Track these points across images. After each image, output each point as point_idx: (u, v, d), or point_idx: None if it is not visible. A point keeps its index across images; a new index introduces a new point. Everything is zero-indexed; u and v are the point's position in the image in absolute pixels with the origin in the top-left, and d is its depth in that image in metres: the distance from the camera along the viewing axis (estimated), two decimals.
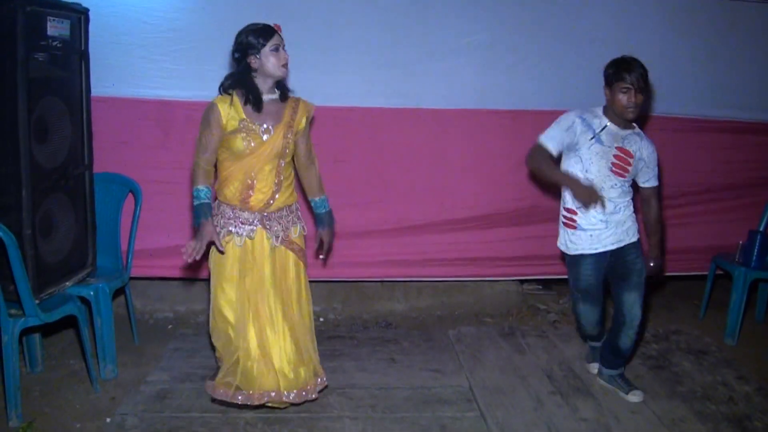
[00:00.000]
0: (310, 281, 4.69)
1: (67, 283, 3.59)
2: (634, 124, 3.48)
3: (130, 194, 4.02)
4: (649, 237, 3.62)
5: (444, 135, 4.50)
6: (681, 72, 4.53)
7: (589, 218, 3.46)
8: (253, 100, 3.12)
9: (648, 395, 3.70)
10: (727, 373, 4.01)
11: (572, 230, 3.54)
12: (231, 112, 3.11)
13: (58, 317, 3.43)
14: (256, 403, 3.23)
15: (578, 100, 3.73)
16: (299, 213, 3.39)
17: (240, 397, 3.23)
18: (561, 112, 3.98)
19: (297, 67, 4.14)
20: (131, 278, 4.09)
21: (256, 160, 3.14)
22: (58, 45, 3.43)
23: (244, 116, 3.12)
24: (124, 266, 4.00)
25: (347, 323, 4.74)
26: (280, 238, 3.25)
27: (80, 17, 3.59)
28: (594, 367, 3.89)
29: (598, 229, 3.47)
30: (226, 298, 3.24)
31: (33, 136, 3.24)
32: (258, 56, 3.07)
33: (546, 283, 5.23)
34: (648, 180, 3.54)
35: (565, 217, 3.57)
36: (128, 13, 4.00)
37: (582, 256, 3.54)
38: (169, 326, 4.55)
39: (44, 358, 3.90)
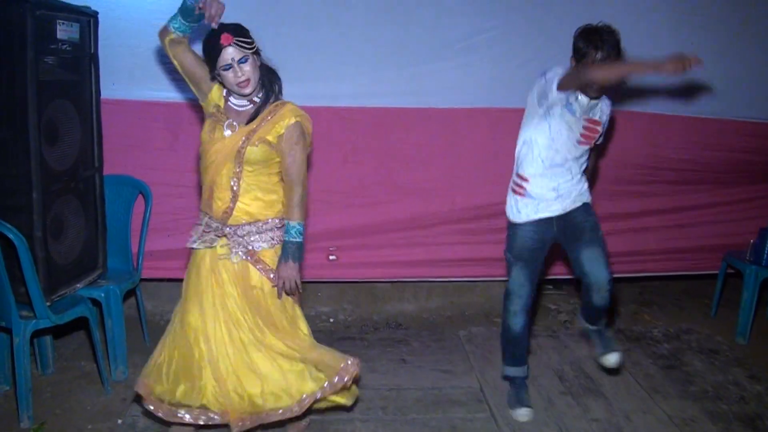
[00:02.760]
0: (321, 282, 4.74)
1: (78, 285, 3.60)
2: None
3: (140, 196, 4.03)
4: None
5: (455, 134, 4.48)
6: (694, 72, 4.48)
7: (539, 186, 3.29)
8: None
9: (659, 395, 3.69)
10: (739, 373, 4.00)
11: (520, 197, 3.35)
12: (217, 94, 2.92)
13: (69, 319, 3.44)
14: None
15: None
16: (278, 233, 2.96)
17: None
18: None
19: (304, 67, 4.16)
20: (142, 280, 4.10)
21: (214, 157, 2.87)
22: (68, 48, 3.44)
23: (221, 104, 2.92)
24: (135, 268, 4.01)
25: (357, 324, 4.74)
26: (241, 255, 2.92)
27: (89, 20, 3.59)
28: (519, 414, 3.49)
29: (546, 200, 3.30)
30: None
31: (43, 139, 3.25)
32: (216, 72, 2.82)
33: (556, 283, 5.22)
34: (599, 138, 3.32)
35: (515, 182, 3.39)
36: (137, 16, 4.00)
37: (523, 223, 3.36)
38: None
39: (55, 359, 3.92)
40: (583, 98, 3.22)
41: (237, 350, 2.94)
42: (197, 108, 4.09)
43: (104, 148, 3.79)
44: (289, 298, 3.03)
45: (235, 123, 2.87)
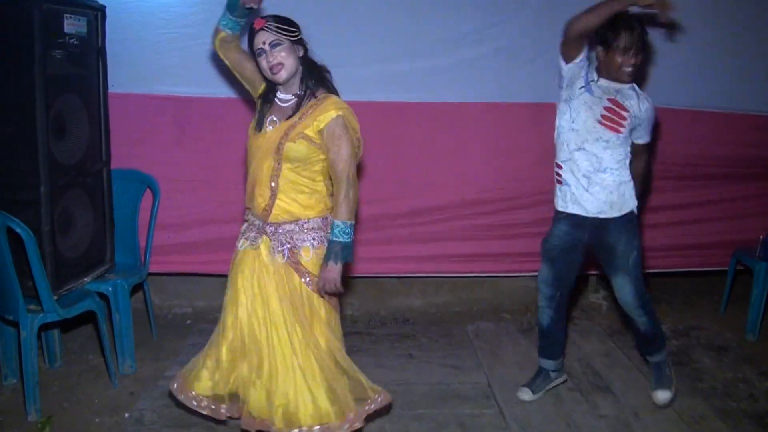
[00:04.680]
0: None
1: (86, 279, 3.61)
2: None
3: (148, 190, 4.03)
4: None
5: (464, 129, 4.46)
6: (703, 64, 4.46)
7: (569, 172, 3.30)
8: (266, 93, 2.86)
9: None
10: (748, 370, 3.98)
11: (559, 185, 3.38)
12: (264, 91, 2.87)
13: (77, 313, 3.45)
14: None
15: None
16: (321, 233, 2.82)
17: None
18: None
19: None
20: (149, 274, 4.10)
21: (255, 153, 2.78)
22: (75, 42, 3.44)
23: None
24: (143, 262, 4.02)
25: (365, 319, 4.73)
26: (285, 255, 2.79)
27: (97, 14, 3.59)
28: (519, 393, 3.61)
29: (580, 187, 3.28)
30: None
31: (51, 133, 3.25)
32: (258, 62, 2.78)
33: None
34: (641, 136, 3.34)
35: (555, 172, 3.39)
36: (145, 10, 4.00)
37: (559, 213, 3.37)
38: (188, 321, 4.57)
39: (63, 353, 3.93)
40: (603, 81, 3.25)
41: (273, 352, 2.81)
42: (204, 102, 4.11)
43: (112, 143, 3.80)
44: (330, 308, 2.97)
45: (276, 119, 2.78)
